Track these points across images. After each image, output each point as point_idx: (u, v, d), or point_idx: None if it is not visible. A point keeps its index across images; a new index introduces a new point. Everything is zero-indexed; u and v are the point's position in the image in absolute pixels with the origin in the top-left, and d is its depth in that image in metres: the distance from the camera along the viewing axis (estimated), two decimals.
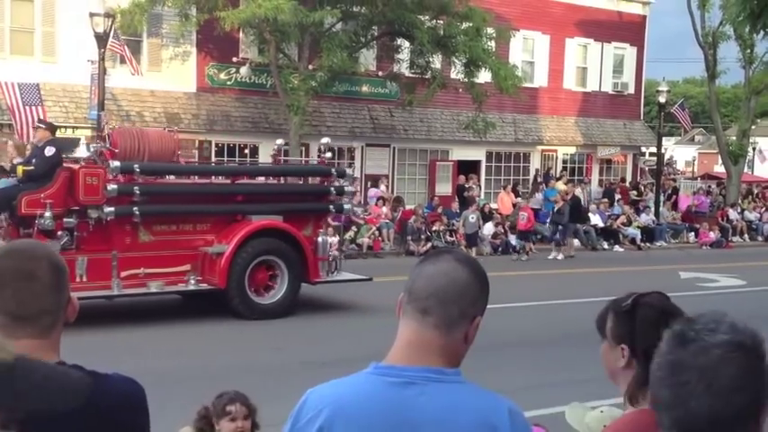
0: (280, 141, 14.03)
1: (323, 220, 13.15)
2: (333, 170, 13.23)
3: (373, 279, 13.46)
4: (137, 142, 11.72)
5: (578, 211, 23.14)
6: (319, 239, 12.49)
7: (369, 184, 24.37)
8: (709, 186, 34.34)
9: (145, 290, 11.35)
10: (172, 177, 12.45)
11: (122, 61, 20.20)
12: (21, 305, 1.78)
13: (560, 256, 21.35)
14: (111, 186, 10.82)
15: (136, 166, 11.17)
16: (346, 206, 13.33)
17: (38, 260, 1.83)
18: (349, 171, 14.38)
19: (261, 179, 13.62)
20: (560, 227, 22.08)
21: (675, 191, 31.24)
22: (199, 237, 11.76)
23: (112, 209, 10.82)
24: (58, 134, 19.51)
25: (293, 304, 12.20)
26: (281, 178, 13.51)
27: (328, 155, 13.43)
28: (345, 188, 13.10)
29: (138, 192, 10.99)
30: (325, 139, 13.62)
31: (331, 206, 12.82)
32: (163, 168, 12.17)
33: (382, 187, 23.39)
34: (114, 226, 11.01)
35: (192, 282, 11.46)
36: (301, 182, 13.64)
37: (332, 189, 12.81)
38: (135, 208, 10.97)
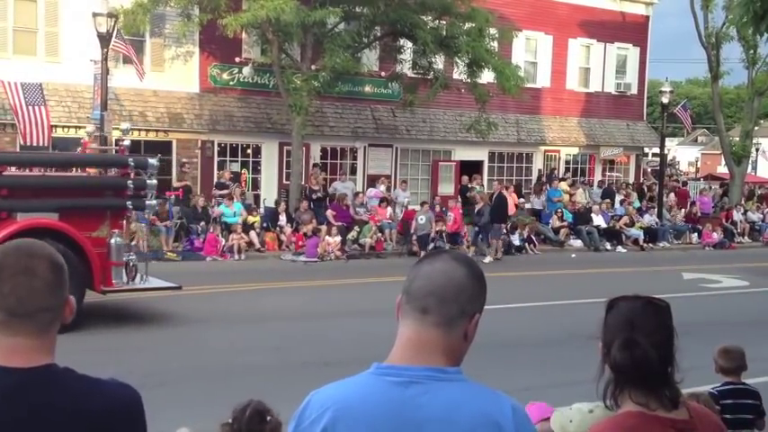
0: (90, 129, 11.80)
1: (119, 218, 11.16)
2: (130, 161, 11.17)
3: (182, 288, 11.89)
4: None
5: (502, 210, 21.44)
6: (112, 241, 10.75)
7: (369, 183, 24.40)
8: (712, 188, 34.28)
9: None
10: None
11: (125, 61, 20.22)
12: (19, 302, 1.77)
13: (487, 259, 19.52)
14: None
15: None
16: (149, 202, 11.38)
17: (38, 258, 1.82)
18: (152, 161, 11.51)
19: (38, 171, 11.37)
20: (480, 228, 21.01)
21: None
22: None
23: None
24: (61, 134, 19.76)
25: (75, 316, 10.83)
26: (64, 170, 11.58)
27: (127, 142, 11.72)
28: (148, 182, 11.19)
29: None
30: (124, 125, 11.82)
31: (128, 202, 11.02)
32: None
33: (382, 187, 23.37)
34: None
35: None
36: (87, 174, 11.74)
37: (129, 183, 10.95)
38: None
